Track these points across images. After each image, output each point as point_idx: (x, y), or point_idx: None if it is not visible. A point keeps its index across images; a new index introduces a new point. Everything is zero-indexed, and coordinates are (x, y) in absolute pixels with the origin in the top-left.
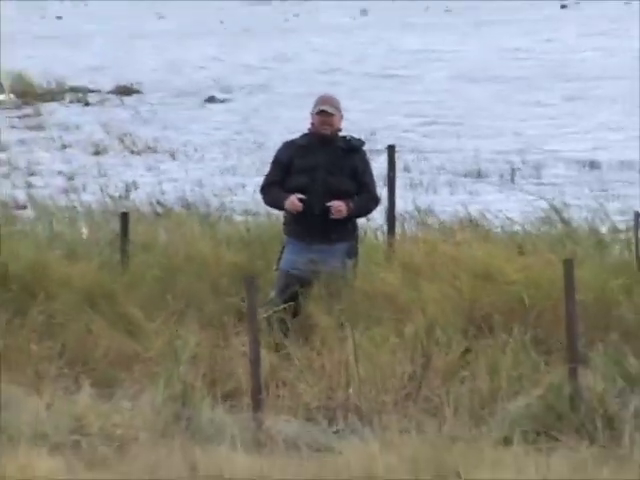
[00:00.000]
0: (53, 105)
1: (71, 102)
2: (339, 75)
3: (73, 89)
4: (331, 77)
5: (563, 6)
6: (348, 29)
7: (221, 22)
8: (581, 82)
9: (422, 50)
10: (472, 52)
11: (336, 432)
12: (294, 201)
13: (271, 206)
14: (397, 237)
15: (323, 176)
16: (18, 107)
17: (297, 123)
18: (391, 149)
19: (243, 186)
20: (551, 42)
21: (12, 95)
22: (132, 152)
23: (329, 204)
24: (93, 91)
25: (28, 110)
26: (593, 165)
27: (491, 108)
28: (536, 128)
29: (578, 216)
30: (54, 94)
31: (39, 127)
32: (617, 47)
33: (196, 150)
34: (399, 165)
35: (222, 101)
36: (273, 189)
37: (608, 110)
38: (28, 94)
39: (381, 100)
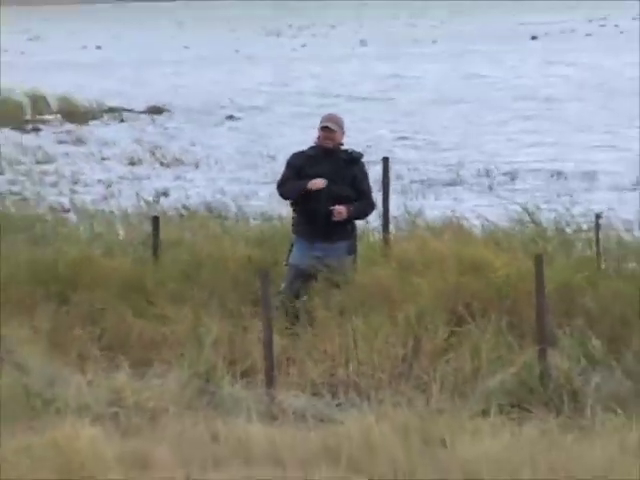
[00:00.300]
0: (94, 123)
1: (109, 120)
2: (332, 98)
3: (111, 109)
4: (325, 100)
5: (533, 37)
6: (347, 58)
7: (236, 51)
8: (540, 103)
9: (407, 76)
10: (450, 78)
11: (338, 405)
12: (318, 181)
13: (289, 196)
14: (391, 236)
15: (329, 189)
16: (63, 125)
17: (297, 138)
18: (386, 160)
19: (256, 193)
20: (517, 69)
21: (58, 115)
22: (162, 164)
23: (331, 208)
24: (128, 110)
25: (72, 127)
26: (559, 175)
27: (464, 126)
28: (504, 142)
29: (547, 218)
30: (94, 113)
31: (81, 142)
32: (573, 74)
33: (216, 162)
34: (391, 174)
35: (237, 119)
36: (290, 182)
37: (565, 128)
38: (72, 114)
39: (369, 119)
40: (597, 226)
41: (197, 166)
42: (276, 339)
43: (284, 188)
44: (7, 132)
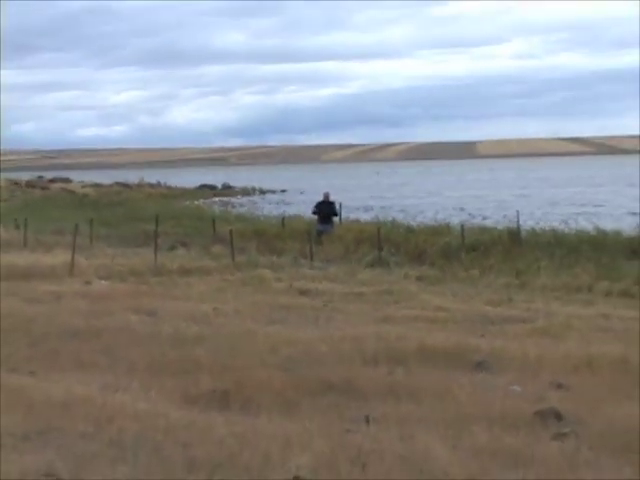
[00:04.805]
0: (267, 194)
1: (268, 194)
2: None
3: (271, 190)
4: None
5: (377, 173)
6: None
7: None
8: (381, 187)
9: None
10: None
11: (328, 264)
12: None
13: (315, 215)
14: (343, 222)
15: (325, 210)
16: (261, 195)
17: (316, 198)
18: (340, 204)
19: (308, 212)
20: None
21: (258, 191)
22: (284, 204)
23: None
24: (274, 191)
25: (261, 195)
26: (386, 208)
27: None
28: (368, 198)
29: (385, 219)
30: (265, 190)
31: (263, 199)
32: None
33: (297, 204)
34: (341, 207)
35: (305, 194)
36: (317, 212)
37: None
38: (263, 191)
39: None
40: (389, 221)
41: (291, 205)
42: (314, 247)
43: (314, 213)
44: (243, 197)
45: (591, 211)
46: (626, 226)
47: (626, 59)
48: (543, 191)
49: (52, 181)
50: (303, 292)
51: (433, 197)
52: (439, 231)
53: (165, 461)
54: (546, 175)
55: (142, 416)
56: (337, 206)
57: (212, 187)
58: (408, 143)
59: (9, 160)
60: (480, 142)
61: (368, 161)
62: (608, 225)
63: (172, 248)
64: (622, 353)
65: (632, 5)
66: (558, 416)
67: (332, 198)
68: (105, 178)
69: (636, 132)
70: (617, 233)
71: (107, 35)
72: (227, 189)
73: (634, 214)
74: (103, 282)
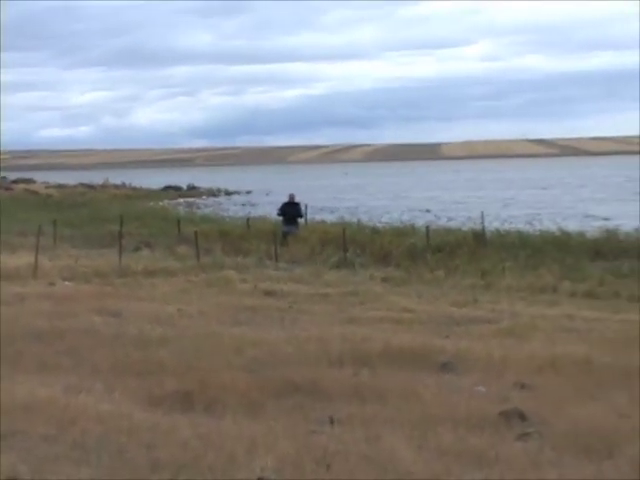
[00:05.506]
0: (233, 195)
1: (234, 194)
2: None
3: (236, 191)
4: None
5: (345, 173)
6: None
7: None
8: (354, 188)
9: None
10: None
11: (294, 265)
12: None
13: (280, 216)
14: (308, 223)
15: (291, 211)
16: (226, 196)
17: (282, 199)
18: (305, 205)
19: (273, 213)
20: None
21: (223, 192)
22: (250, 205)
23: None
24: (239, 192)
25: (226, 196)
26: (354, 209)
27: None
28: (332, 200)
29: (350, 220)
30: (231, 191)
31: (229, 200)
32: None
33: (262, 205)
34: (307, 208)
35: (272, 195)
36: (282, 214)
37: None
38: (228, 192)
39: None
40: (354, 222)
41: (257, 206)
42: (279, 248)
43: (280, 214)
44: (208, 198)
45: (542, 212)
46: (578, 226)
47: (593, 61)
48: (497, 193)
49: (15, 182)
50: (268, 293)
51: (392, 199)
52: (404, 232)
53: (129, 462)
54: (506, 177)
55: (106, 417)
56: (302, 207)
57: (177, 188)
58: (375, 144)
59: None
60: (446, 144)
61: (334, 162)
62: (566, 226)
63: (136, 249)
64: (586, 353)
65: (599, 8)
66: (522, 416)
67: (297, 199)
68: (71, 179)
69: (600, 134)
70: (581, 234)
71: (74, 35)
72: (192, 190)
73: (590, 216)
74: (67, 283)
